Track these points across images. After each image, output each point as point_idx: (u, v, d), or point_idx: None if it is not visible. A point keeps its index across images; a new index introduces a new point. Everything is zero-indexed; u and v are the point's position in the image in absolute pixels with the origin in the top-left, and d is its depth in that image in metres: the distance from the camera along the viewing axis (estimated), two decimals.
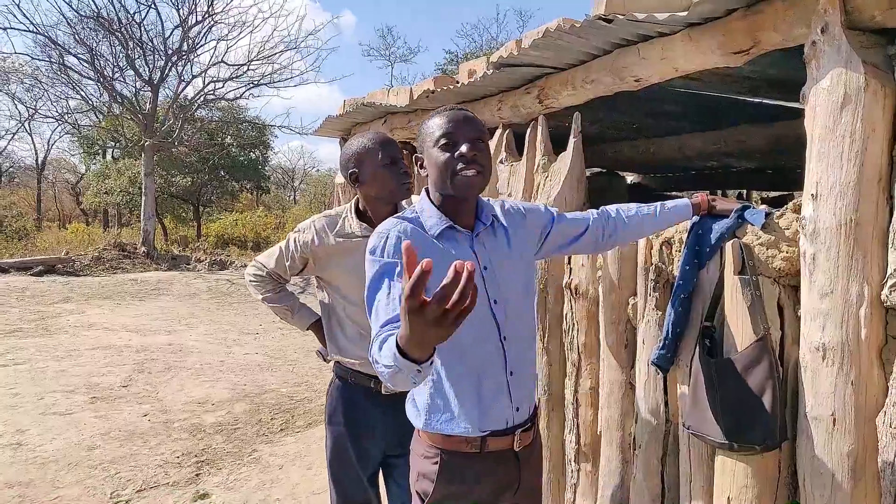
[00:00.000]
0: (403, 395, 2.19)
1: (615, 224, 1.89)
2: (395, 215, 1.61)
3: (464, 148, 1.52)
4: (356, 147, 2.17)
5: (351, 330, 2.24)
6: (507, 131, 3.20)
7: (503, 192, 3.09)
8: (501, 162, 3.15)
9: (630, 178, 6.92)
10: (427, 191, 1.62)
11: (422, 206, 1.60)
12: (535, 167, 2.92)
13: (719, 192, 6.61)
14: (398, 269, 1.48)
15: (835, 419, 1.63)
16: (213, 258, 16.38)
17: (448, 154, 1.54)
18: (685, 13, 1.94)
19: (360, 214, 2.25)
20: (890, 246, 1.58)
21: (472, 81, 3.06)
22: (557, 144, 2.96)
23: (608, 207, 1.94)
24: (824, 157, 1.67)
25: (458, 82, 3.35)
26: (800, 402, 1.74)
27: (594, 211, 1.92)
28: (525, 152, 3.00)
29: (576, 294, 2.62)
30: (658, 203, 1.98)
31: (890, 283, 1.56)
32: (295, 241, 2.28)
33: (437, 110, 1.62)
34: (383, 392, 2.22)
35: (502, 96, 3.25)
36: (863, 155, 1.59)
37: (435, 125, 1.58)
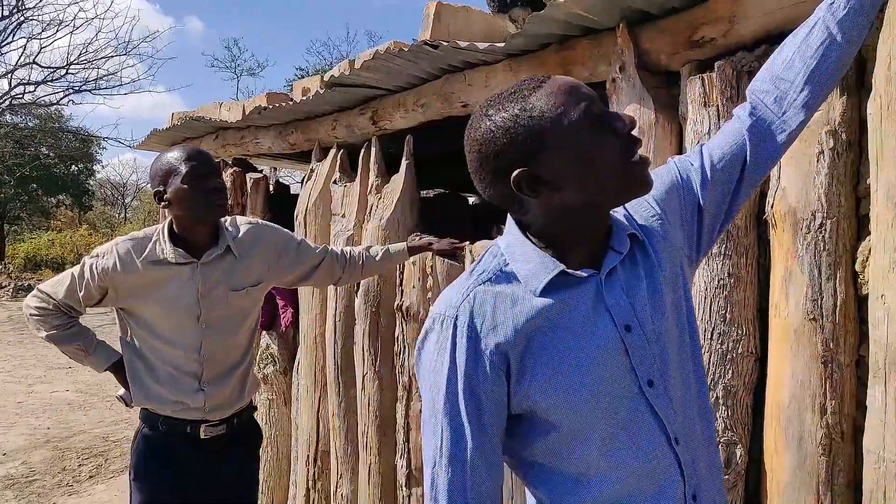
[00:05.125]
0: (227, 436, 1.99)
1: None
2: (467, 271, 1.00)
3: (633, 131, 0.94)
4: (161, 163, 1.91)
5: (162, 371, 1.95)
6: (341, 151, 3.17)
7: (336, 212, 3.04)
8: (335, 182, 3.11)
9: (472, 199, 7.17)
10: (517, 222, 1.00)
11: (511, 249, 0.98)
12: (369, 188, 2.91)
13: None
14: (484, 387, 0.92)
15: None
16: (20, 283, 14.57)
17: (619, 142, 0.92)
18: (503, 44, 2.04)
19: (176, 238, 1.95)
20: None
21: (305, 99, 2.99)
22: (398, 165, 2.97)
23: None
24: None
25: (291, 100, 3.27)
26: None
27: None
28: (359, 173, 2.98)
29: (407, 316, 2.63)
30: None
31: None
32: (92, 267, 1.92)
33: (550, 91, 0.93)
34: (203, 436, 1.96)
35: (337, 116, 3.21)
36: None
37: (565, 96, 0.92)
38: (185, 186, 1.85)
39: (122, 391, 2.11)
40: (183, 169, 1.86)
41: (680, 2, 1.73)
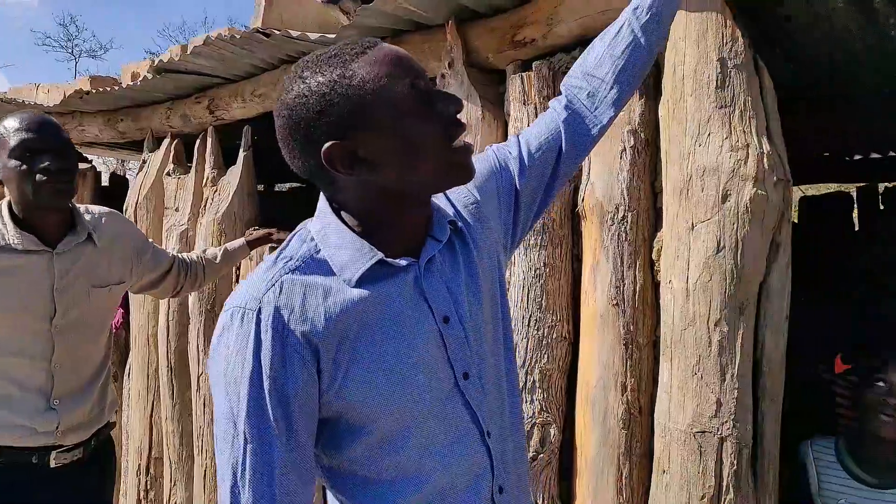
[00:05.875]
0: (79, 461, 1.70)
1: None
2: (271, 258, 0.88)
3: (458, 115, 0.89)
4: None
5: None
6: (175, 141, 2.99)
7: (170, 206, 2.87)
8: (169, 174, 2.93)
9: None
10: (329, 202, 0.90)
11: (323, 234, 0.88)
12: (204, 180, 2.77)
13: None
14: (293, 388, 0.81)
15: None
16: None
17: (444, 124, 0.86)
18: (334, 36, 2.01)
19: (20, 222, 1.61)
20: None
21: (133, 85, 2.79)
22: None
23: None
24: None
25: (119, 84, 3.03)
26: None
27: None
28: (194, 164, 2.83)
29: None
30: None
31: None
32: None
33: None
34: (53, 465, 1.66)
35: (172, 104, 3.03)
36: None
37: (390, 66, 0.85)
38: (12, 163, 1.54)
39: None
40: (11, 141, 1.55)
41: (505, 2, 1.81)
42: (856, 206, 4.31)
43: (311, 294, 0.83)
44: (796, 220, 4.40)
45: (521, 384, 1.63)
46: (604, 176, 1.60)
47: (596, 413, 1.56)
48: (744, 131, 1.36)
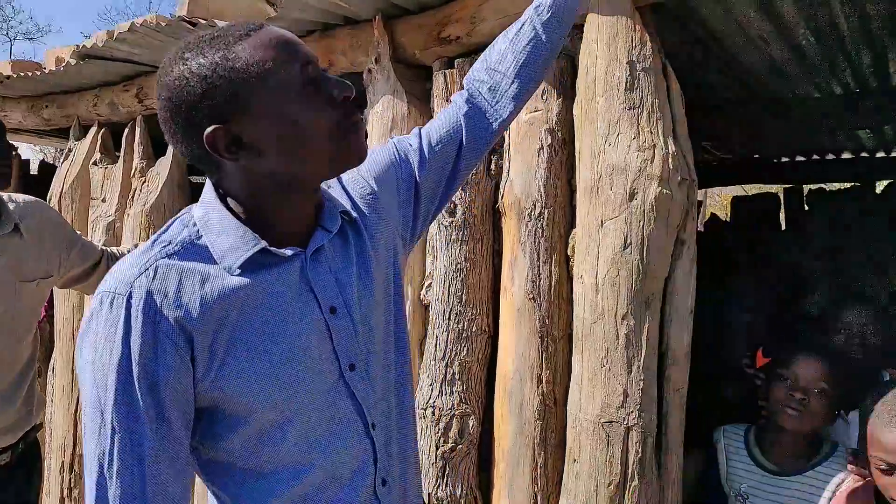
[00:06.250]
0: (6, 465, 1.66)
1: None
2: (148, 242, 0.85)
3: (348, 99, 0.87)
4: None
5: None
6: (102, 130, 2.91)
7: (96, 196, 2.79)
8: (95, 163, 2.84)
9: None
10: (217, 188, 0.88)
11: (206, 219, 0.86)
12: (133, 171, 2.70)
13: None
14: (164, 377, 0.78)
15: None
16: None
17: (334, 112, 0.85)
18: None
19: None
20: (428, 254, 1.83)
21: (56, 71, 2.70)
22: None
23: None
24: None
25: (42, 69, 2.92)
26: None
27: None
28: (122, 154, 2.76)
29: None
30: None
31: (426, 284, 1.81)
32: None
33: (254, 29, 0.84)
34: None
35: (100, 91, 2.94)
36: None
37: (276, 51, 0.83)
38: None
39: None
40: None
41: None
42: (783, 206, 4.49)
43: (188, 280, 0.81)
44: (727, 219, 4.57)
45: (441, 376, 1.65)
46: (522, 173, 1.64)
47: (513, 405, 1.60)
48: (651, 132, 1.41)
